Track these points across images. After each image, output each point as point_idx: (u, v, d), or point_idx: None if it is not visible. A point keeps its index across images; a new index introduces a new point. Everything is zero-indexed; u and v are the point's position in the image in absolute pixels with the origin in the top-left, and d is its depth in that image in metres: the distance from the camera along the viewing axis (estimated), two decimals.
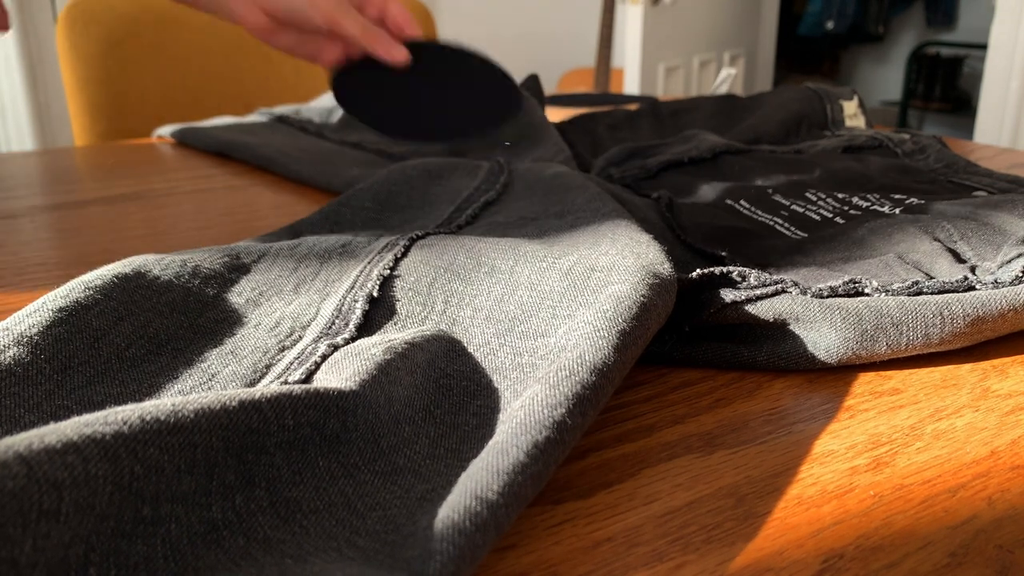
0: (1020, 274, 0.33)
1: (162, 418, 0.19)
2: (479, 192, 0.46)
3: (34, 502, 0.16)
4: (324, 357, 0.28)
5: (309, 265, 0.35)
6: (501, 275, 0.32)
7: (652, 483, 0.25)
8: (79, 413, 0.25)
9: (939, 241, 0.39)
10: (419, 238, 0.36)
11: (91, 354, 0.27)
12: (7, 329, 0.26)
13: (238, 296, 0.32)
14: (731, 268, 0.33)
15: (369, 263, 0.34)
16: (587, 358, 0.25)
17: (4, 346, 0.25)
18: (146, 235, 0.50)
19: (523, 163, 0.53)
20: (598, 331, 0.26)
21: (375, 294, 0.32)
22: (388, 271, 0.33)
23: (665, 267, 0.31)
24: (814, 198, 0.49)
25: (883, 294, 0.33)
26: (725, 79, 1.09)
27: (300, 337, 0.30)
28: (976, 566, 0.22)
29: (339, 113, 0.79)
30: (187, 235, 0.50)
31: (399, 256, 0.34)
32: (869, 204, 0.47)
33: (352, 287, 0.32)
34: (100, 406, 0.25)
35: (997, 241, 0.38)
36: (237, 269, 0.33)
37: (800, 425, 0.29)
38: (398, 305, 0.32)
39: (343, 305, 0.31)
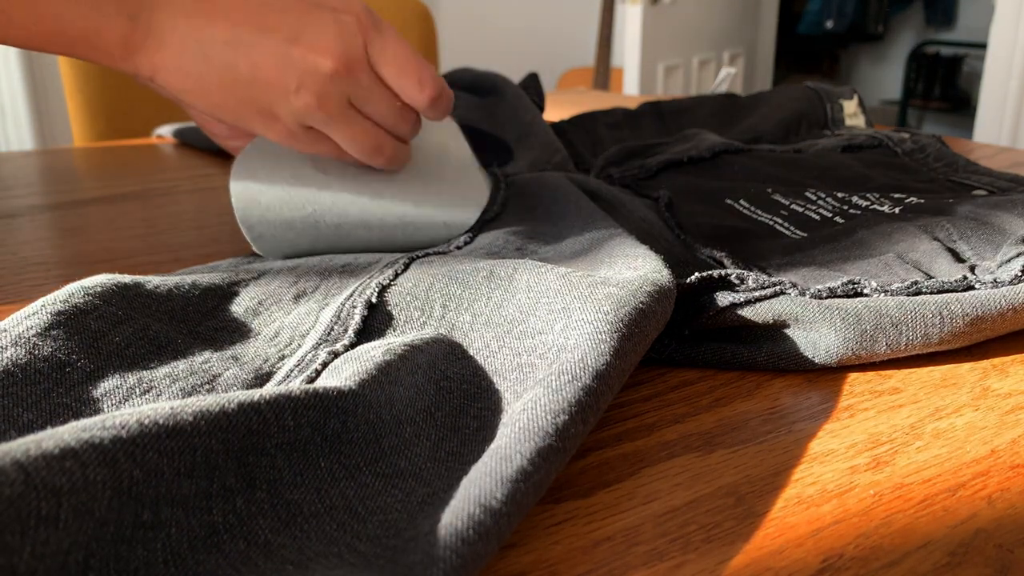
0: (1020, 273, 0.33)
1: (160, 421, 0.19)
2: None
3: (32, 509, 0.16)
4: (324, 365, 0.28)
5: (309, 280, 0.35)
6: (500, 280, 0.32)
7: (652, 482, 0.25)
8: (78, 411, 0.25)
9: (938, 240, 0.39)
10: (419, 257, 0.37)
11: (90, 353, 0.27)
12: (5, 330, 0.26)
13: (237, 306, 0.32)
14: (729, 271, 0.33)
15: (369, 277, 0.34)
16: (588, 362, 0.25)
17: (2, 347, 0.25)
18: (146, 235, 0.50)
19: (521, 174, 0.53)
20: (599, 333, 0.26)
21: (374, 300, 0.32)
22: (388, 282, 0.33)
23: (663, 275, 0.31)
24: (814, 197, 0.49)
25: (882, 294, 0.33)
26: (725, 78, 1.09)
27: (299, 345, 0.30)
28: (976, 565, 0.22)
29: None
30: (187, 235, 0.50)
31: (399, 272, 0.34)
32: (869, 203, 0.47)
33: (351, 295, 0.32)
34: (99, 403, 0.25)
35: (997, 240, 0.38)
36: (236, 284, 0.34)
37: (800, 424, 0.29)
38: (396, 311, 0.32)
39: (342, 311, 0.31)
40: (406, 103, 0.41)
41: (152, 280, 0.31)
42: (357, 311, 0.31)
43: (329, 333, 0.30)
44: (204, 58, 0.37)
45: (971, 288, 0.34)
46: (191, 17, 0.37)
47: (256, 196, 0.41)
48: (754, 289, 0.33)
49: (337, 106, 0.39)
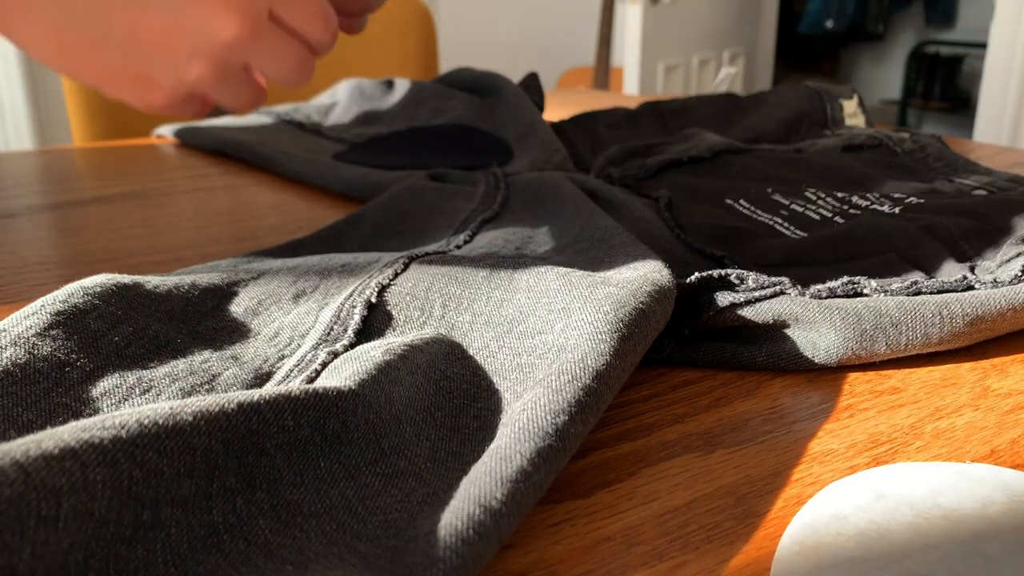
0: (1019, 273, 0.33)
1: (160, 422, 0.19)
2: (476, 213, 0.46)
3: (32, 509, 0.16)
4: (324, 364, 0.28)
5: (309, 279, 0.35)
6: (500, 280, 0.32)
7: (652, 482, 0.25)
8: (77, 411, 0.25)
9: (938, 240, 0.39)
10: (418, 257, 0.37)
11: (89, 352, 0.27)
12: (4, 330, 0.26)
13: (237, 306, 0.32)
14: (729, 271, 0.33)
15: (369, 277, 0.34)
16: (588, 362, 0.25)
17: (1, 346, 0.25)
18: (146, 234, 0.50)
19: (521, 174, 0.53)
20: (599, 333, 0.26)
21: (373, 300, 0.32)
22: (388, 281, 0.33)
23: (663, 274, 0.31)
24: (814, 197, 0.49)
25: (882, 294, 0.33)
26: (725, 78, 1.10)
27: (299, 345, 0.30)
28: None
29: (338, 112, 0.79)
30: (187, 234, 0.50)
31: (399, 272, 0.34)
32: (869, 203, 0.47)
33: (350, 295, 0.32)
34: (98, 402, 0.25)
35: (996, 240, 0.38)
36: (236, 284, 0.34)
37: (800, 424, 0.29)
38: (396, 311, 0.32)
39: (341, 311, 0.31)
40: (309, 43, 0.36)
41: (151, 280, 0.31)
42: (357, 311, 0.31)
43: (329, 333, 0.30)
44: (63, 9, 0.29)
45: (971, 288, 0.34)
46: None
47: None
48: (754, 289, 0.33)
49: (232, 72, 0.33)
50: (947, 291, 0.33)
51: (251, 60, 0.34)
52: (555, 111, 0.94)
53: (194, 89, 0.34)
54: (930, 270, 0.36)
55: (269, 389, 0.22)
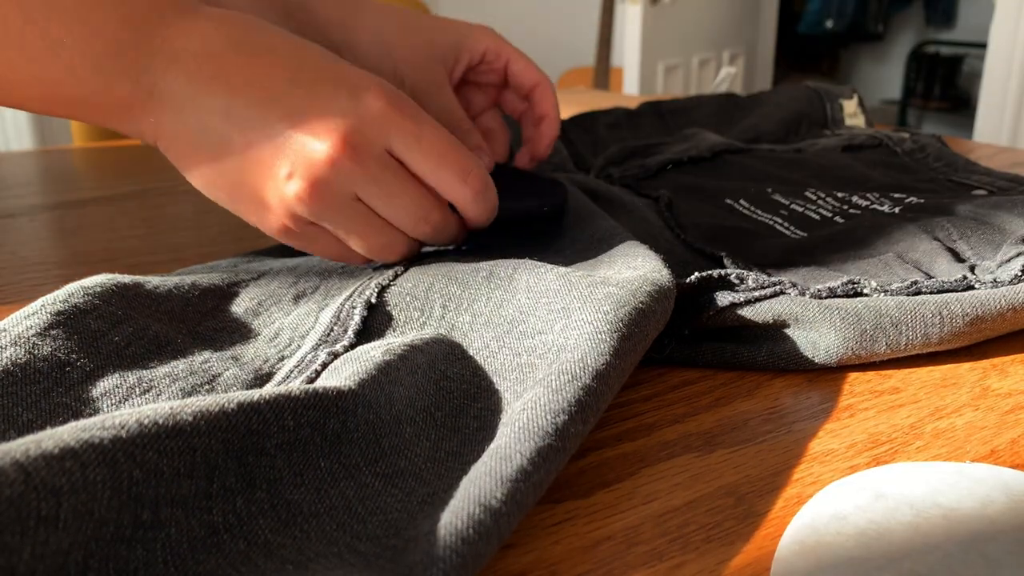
0: (1019, 273, 0.33)
1: (160, 422, 0.19)
2: None
3: (32, 509, 0.16)
4: (324, 365, 0.28)
5: (309, 280, 0.35)
6: (500, 280, 0.32)
7: (652, 482, 0.25)
8: (78, 411, 0.25)
9: (938, 240, 0.39)
10: (418, 257, 0.36)
11: (89, 352, 0.27)
12: (4, 330, 0.26)
13: (237, 307, 0.32)
14: (729, 271, 0.33)
15: (369, 277, 0.34)
16: (588, 362, 0.25)
17: (1, 346, 0.25)
18: (146, 235, 0.50)
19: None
20: (599, 333, 0.26)
21: (373, 300, 0.32)
22: (388, 282, 0.33)
23: (663, 275, 0.31)
24: (814, 197, 0.49)
25: (882, 294, 0.33)
26: (725, 78, 1.10)
27: (299, 346, 0.30)
28: None
29: None
30: (187, 235, 0.50)
31: (399, 272, 0.34)
32: (868, 203, 0.47)
33: (350, 296, 0.32)
34: (98, 402, 0.25)
35: (996, 240, 0.38)
36: (236, 284, 0.34)
37: (800, 424, 0.29)
38: (396, 311, 0.32)
39: (341, 312, 0.31)
40: (445, 200, 0.35)
41: (152, 280, 0.31)
42: (357, 312, 0.31)
43: (329, 334, 0.30)
44: (201, 128, 0.32)
45: (971, 288, 0.34)
46: (192, 80, 0.32)
47: None
48: (754, 289, 0.33)
49: (337, 199, 0.33)
50: (947, 291, 0.33)
51: (358, 192, 0.33)
52: None
53: (298, 212, 0.33)
54: (930, 270, 0.36)
55: (269, 389, 0.22)
